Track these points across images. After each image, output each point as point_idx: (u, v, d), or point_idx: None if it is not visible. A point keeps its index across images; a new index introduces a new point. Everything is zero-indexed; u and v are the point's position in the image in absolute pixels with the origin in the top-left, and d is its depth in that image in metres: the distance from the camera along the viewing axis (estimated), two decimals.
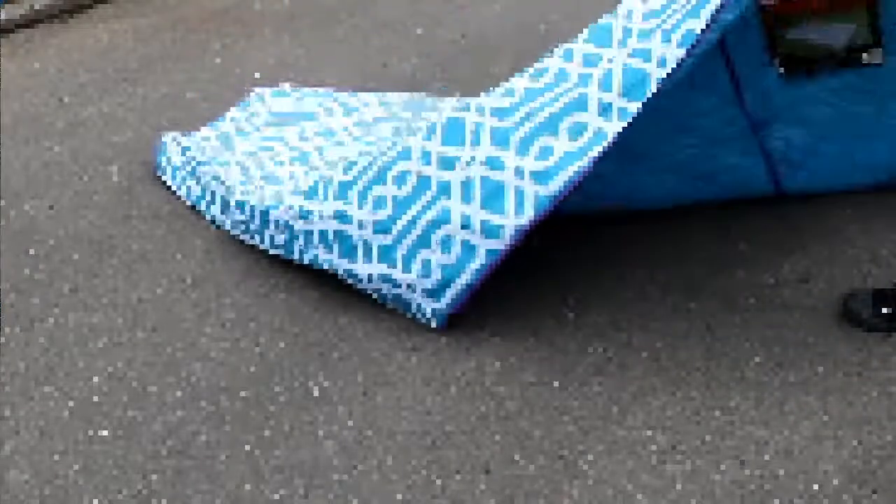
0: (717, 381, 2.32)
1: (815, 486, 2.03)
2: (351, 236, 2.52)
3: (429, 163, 2.42)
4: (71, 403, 2.39)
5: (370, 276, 2.52)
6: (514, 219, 2.31)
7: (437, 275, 2.43)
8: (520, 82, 2.38)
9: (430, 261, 2.43)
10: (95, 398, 2.40)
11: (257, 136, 3.27)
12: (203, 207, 3.03)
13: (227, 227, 2.91)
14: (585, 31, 2.35)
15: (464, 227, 2.38)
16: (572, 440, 2.20)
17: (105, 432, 2.31)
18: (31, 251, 2.93)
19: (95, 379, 2.46)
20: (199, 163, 3.08)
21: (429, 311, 2.49)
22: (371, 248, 2.50)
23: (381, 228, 2.48)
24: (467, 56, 3.83)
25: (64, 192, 3.20)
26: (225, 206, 2.89)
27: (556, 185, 2.26)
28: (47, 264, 2.87)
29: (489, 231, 2.34)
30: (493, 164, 2.33)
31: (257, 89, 3.55)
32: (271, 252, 2.75)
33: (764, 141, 2.79)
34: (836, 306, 2.49)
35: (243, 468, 2.20)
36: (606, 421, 2.25)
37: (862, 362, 2.31)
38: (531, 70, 2.39)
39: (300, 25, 4.21)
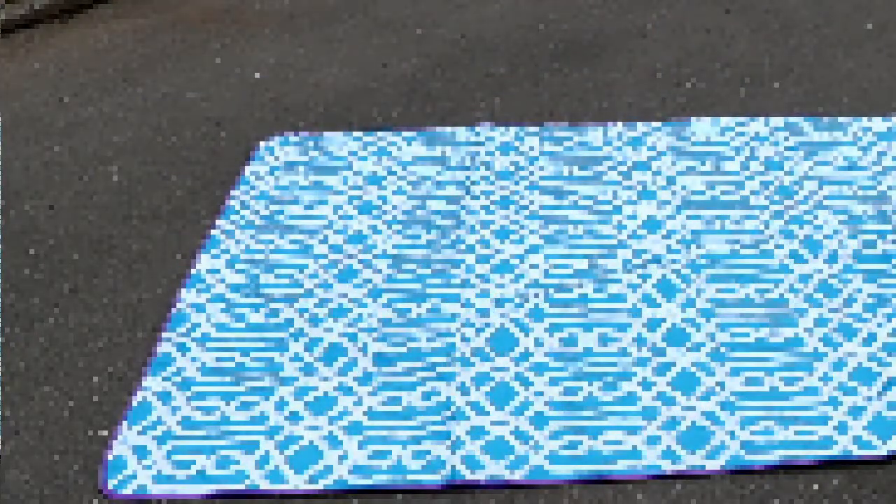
0: None
1: (815, 486, 2.03)
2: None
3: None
4: (71, 403, 2.39)
5: None
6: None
7: None
8: None
9: None
10: (95, 398, 2.40)
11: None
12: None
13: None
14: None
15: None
16: None
17: (105, 432, 2.31)
18: (31, 251, 2.93)
19: (95, 379, 2.46)
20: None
21: None
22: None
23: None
24: (467, 56, 3.83)
25: (64, 192, 3.20)
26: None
27: None
28: (47, 264, 2.87)
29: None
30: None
31: (262, 144, 3.30)
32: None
33: None
34: None
35: None
36: None
37: None
38: None
39: (300, 25, 4.21)
